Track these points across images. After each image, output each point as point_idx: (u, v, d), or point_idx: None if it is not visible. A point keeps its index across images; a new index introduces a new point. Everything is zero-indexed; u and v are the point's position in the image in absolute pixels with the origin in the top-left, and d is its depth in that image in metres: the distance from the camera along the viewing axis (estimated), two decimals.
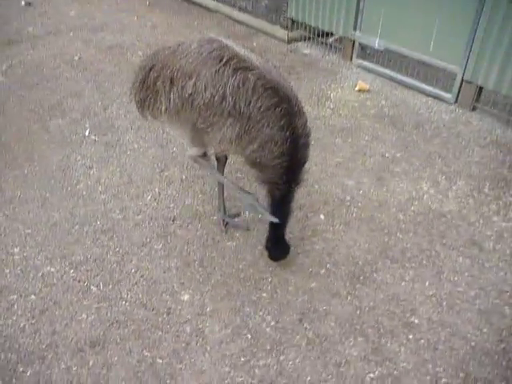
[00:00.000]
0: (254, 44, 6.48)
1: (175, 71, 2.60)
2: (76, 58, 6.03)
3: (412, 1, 4.88)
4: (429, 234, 3.36)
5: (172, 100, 2.63)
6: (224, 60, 2.46)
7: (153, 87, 2.74)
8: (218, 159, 3.19)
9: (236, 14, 7.19)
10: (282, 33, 6.43)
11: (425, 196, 3.72)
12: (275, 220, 2.80)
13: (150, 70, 2.78)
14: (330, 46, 6.07)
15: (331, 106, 4.94)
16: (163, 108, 2.71)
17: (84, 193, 3.76)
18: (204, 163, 3.02)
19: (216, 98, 2.47)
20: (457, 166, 4.05)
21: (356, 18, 5.49)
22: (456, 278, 3.03)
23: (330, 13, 5.70)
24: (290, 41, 6.35)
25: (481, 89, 4.71)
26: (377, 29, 5.30)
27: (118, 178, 3.92)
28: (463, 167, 4.04)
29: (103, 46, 6.37)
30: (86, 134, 4.52)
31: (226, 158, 3.22)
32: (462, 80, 4.76)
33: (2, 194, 3.73)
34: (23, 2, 7.95)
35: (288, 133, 2.50)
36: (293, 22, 6.31)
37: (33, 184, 3.84)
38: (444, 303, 2.87)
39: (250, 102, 2.43)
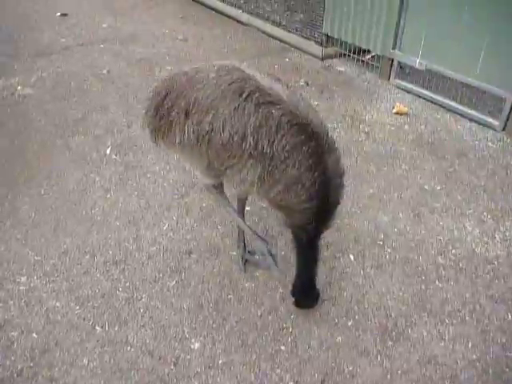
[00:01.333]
0: (287, 60, 6.23)
1: (191, 103, 2.35)
2: (105, 71, 5.94)
3: (458, 18, 4.50)
4: (472, 284, 2.98)
5: (187, 134, 2.39)
6: (245, 94, 2.19)
7: (167, 116, 2.51)
8: (238, 198, 2.92)
9: (269, 28, 6.97)
10: (316, 49, 6.15)
11: (468, 237, 3.34)
12: (282, 275, 2.70)
13: (165, 97, 2.54)
14: (367, 63, 5.74)
15: (366, 130, 4.60)
16: (177, 140, 2.47)
17: (99, 218, 3.57)
18: (216, 195, 2.78)
19: (235, 138, 2.21)
20: (504, 203, 3.64)
21: (396, 36, 5.15)
22: (504, 340, 2.65)
23: (368, 29, 5.38)
24: (324, 57, 6.06)
25: None
26: (418, 47, 4.94)
27: (135, 202, 3.72)
28: None
29: (133, 59, 6.27)
30: (108, 152, 4.36)
31: (246, 198, 2.95)
32: None
33: (16, 214, 3.58)
34: (59, 13, 8.01)
35: (317, 173, 2.22)
36: (328, 37, 6.03)
37: (48, 206, 3.68)
38: (490, 371, 2.49)
39: (274, 141, 2.16)
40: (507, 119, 4.44)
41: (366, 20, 5.37)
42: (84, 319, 2.78)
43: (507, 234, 3.36)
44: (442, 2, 4.60)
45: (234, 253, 3.19)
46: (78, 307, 2.85)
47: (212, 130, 2.27)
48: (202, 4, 8.32)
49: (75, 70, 5.97)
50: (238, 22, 7.52)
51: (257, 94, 2.18)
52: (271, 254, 2.85)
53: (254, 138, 2.17)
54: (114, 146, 4.42)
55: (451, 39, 4.64)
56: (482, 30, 4.34)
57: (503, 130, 4.50)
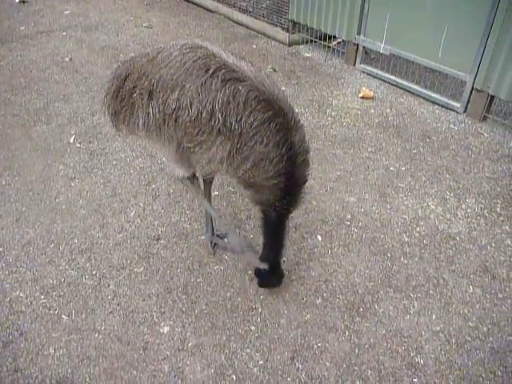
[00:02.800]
0: (254, 46, 6.21)
1: (154, 83, 2.30)
2: (67, 59, 5.77)
3: (420, 4, 4.58)
4: (436, 260, 3.06)
5: (152, 115, 2.34)
6: (211, 70, 2.16)
7: (128, 99, 2.44)
8: (204, 180, 2.89)
9: (236, 15, 6.92)
10: (283, 35, 6.15)
11: (431, 215, 3.42)
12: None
13: (125, 79, 2.47)
14: (333, 49, 5.78)
15: (332, 114, 4.64)
16: (140, 123, 2.42)
17: (63, 207, 3.49)
18: (192, 187, 2.76)
19: (204, 114, 2.17)
20: (466, 182, 3.75)
21: (360, 22, 5.20)
22: (466, 311, 2.74)
23: (333, 15, 5.41)
24: (291, 43, 6.07)
25: (492, 98, 4.41)
26: (382, 33, 5.01)
27: (101, 190, 3.65)
28: (473, 183, 3.74)
29: (96, 47, 6.12)
30: (71, 141, 4.25)
31: (212, 181, 2.93)
32: (473, 88, 4.46)
33: None
34: (17, 0, 7.72)
35: (284, 149, 2.20)
36: (294, 24, 6.03)
37: (10, 196, 3.56)
38: (453, 341, 2.57)
39: (242, 118, 2.13)
40: (468, 102, 4.56)
41: (331, 6, 5.39)
42: (49, 308, 2.71)
43: (469, 210, 3.47)
44: None
45: (203, 237, 3.17)
46: (42, 297, 2.78)
47: (179, 107, 2.22)
48: None
49: (35, 58, 5.78)
50: (205, 9, 7.44)
51: (223, 71, 2.15)
52: (250, 246, 2.91)
53: (222, 114, 2.14)
54: (78, 135, 4.32)
55: (414, 24, 4.72)
56: (442, 15, 4.43)
57: (464, 112, 4.62)
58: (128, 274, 2.94)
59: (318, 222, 3.34)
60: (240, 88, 2.13)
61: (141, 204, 3.50)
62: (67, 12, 7.34)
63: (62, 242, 3.18)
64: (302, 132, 2.32)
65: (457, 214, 3.43)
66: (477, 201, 3.56)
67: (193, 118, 2.20)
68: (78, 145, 4.19)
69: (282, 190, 2.31)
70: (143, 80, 2.35)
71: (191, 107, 2.19)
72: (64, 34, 6.56)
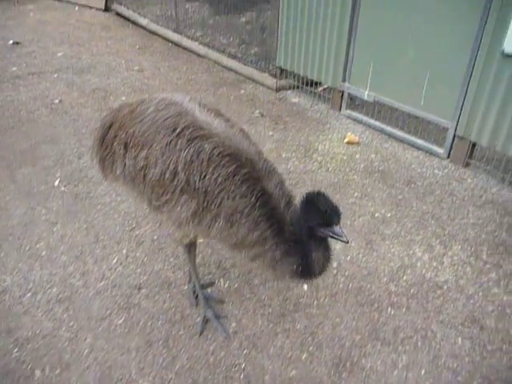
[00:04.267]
0: (242, 91, 6.33)
1: (129, 136, 2.31)
2: (56, 101, 5.81)
3: (402, 53, 4.74)
4: (424, 310, 3.01)
5: (127, 166, 2.34)
6: (178, 130, 2.15)
7: (111, 147, 2.45)
8: (185, 246, 2.77)
9: (225, 60, 7.09)
10: (270, 81, 6.29)
11: (418, 263, 3.40)
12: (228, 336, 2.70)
13: (109, 127, 2.50)
14: (319, 95, 5.91)
15: (319, 159, 4.69)
16: (119, 172, 2.42)
17: (43, 253, 3.40)
18: (185, 251, 2.77)
19: (167, 174, 2.15)
20: (452, 229, 3.76)
21: (345, 69, 5.35)
22: (455, 365, 2.67)
23: (319, 63, 5.56)
24: (278, 89, 6.20)
25: (474, 144, 4.50)
26: (366, 80, 5.14)
27: (83, 236, 3.58)
28: (458, 230, 3.75)
29: (87, 89, 6.18)
30: (56, 184, 4.21)
31: (194, 247, 2.83)
32: (455, 135, 4.55)
33: None
34: (11, 41, 7.85)
35: (254, 198, 2.13)
36: (282, 70, 6.19)
37: None
38: None
39: (206, 175, 2.10)
40: (451, 148, 4.65)
41: (317, 54, 5.55)
42: (22, 362, 2.59)
43: (455, 258, 3.45)
44: (387, 38, 4.84)
45: (186, 287, 3.09)
46: (16, 350, 2.66)
47: (147, 165, 2.22)
48: (160, 36, 8.39)
49: (25, 99, 5.82)
50: (195, 53, 7.62)
51: (190, 129, 2.14)
52: (217, 318, 2.84)
53: (185, 173, 2.11)
54: (64, 178, 4.28)
55: (396, 73, 4.87)
56: (424, 64, 4.58)
57: (448, 157, 4.70)
58: (107, 325, 2.83)
59: None
60: (205, 146, 2.11)
61: (124, 251, 3.43)
62: (60, 54, 7.45)
63: (40, 290, 3.08)
64: (277, 177, 2.25)
65: (443, 262, 3.41)
66: (463, 248, 3.55)
67: (157, 178, 2.19)
68: (63, 188, 4.15)
69: (273, 236, 2.20)
70: (122, 131, 2.37)
71: (156, 167, 2.18)
72: (55, 75, 6.64)
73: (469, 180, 4.41)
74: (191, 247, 2.70)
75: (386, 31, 4.84)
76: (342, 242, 2.12)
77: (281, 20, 5.94)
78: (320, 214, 2.04)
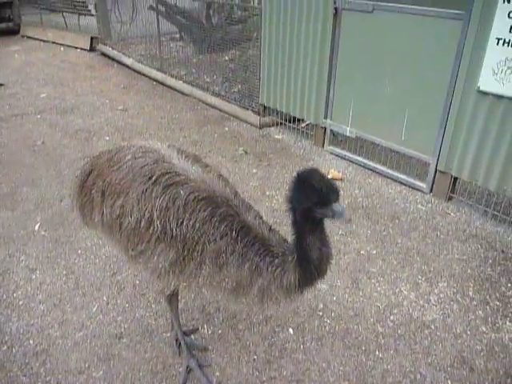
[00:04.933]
0: (226, 129, 6.38)
1: (107, 184, 2.29)
2: (39, 142, 5.80)
3: (380, 92, 4.85)
4: (412, 352, 2.95)
5: (104, 215, 2.30)
6: (154, 177, 2.13)
7: (89, 195, 2.42)
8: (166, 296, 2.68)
9: (209, 98, 7.18)
10: (254, 118, 6.37)
11: (405, 302, 3.36)
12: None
13: (89, 174, 2.48)
14: (302, 131, 5.98)
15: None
16: (97, 219, 2.38)
17: (21, 302, 3.29)
18: (168, 304, 2.69)
19: (142, 222, 2.12)
20: (437, 265, 3.74)
21: (326, 106, 5.45)
22: None
23: (301, 100, 5.66)
24: (262, 126, 6.27)
25: (456, 179, 4.56)
26: (347, 117, 5.23)
27: (62, 282, 3.48)
28: (444, 266, 3.73)
29: (70, 130, 6.19)
30: (36, 228, 4.13)
31: (176, 296, 2.72)
32: (436, 170, 4.61)
33: None
34: None
35: (235, 233, 2.07)
36: (264, 107, 6.28)
37: None
38: None
39: (183, 222, 2.06)
40: (433, 182, 4.70)
41: (298, 92, 5.66)
42: None
43: (441, 295, 3.42)
44: (365, 77, 4.96)
45: (168, 334, 3.00)
46: None
47: (123, 213, 2.19)
48: (145, 75, 8.52)
49: (7, 141, 5.79)
50: (180, 92, 7.72)
51: (166, 176, 2.12)
52: (201, 368, 2.75)
53: (160, 221, 2.08)
54: (44, 222, 4.21)
55: (376, 110, 4.96)
56: (402, 101, 4.68)
57: (430, 192, 4.74)
58: (85, 379, 2.72)
59: (290, 313, 3.22)
60: (181, 192, 2.09)
61: (104, 297, 3.34)
62: (43, 95, 7.50)
63: (16, 343, 2.96)
64: (254, 211, 2.21)
65: (430, 300, 3.38)
66: (449, 285, 3.53)
67: (132, 226, 2.15)
68: (43, 233, 4.07)
69: (264, 259, 2.08)
70: (99, 179, 2.34)
71: (131, 215, 2.14)
72: (38, 116, 6.65)
73: (452, 214, 4.44)
74: (173, 297, 2.63)
75: (364, 71, 4.96)
76: (344, 220, 1.89)
77: (262, 58, 6.09)
78: (316, 191, 1.81)
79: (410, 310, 3.28)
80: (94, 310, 3.24)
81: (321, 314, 3.23)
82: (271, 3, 5.68)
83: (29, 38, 11.29)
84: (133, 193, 2.15)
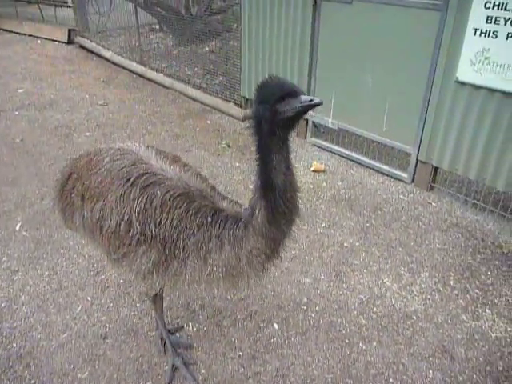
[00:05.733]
0: (208, 122, 6.34)
1: (86, 188, 2.27)
2: (18, 139, 5.69)
3: (361, 84, 4.85)
4: (394, 343, 3.00)
5: (85, 218, 2.28)
6: (132, 179, 2.11)
7: (69, 198, 2.40)
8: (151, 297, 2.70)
9: (190, 91, 7.11)
10: (236, 110, 6.33)
11: (387, 293, 3.41)
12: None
13: (68, 178, 2.45)
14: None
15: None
16: (77, 223, 2.36)
17: (3, 305, 3.26)
18: (152, 305, 2.69)
19: (122, 225, 2.10)
20: (419, 255, 3.80)
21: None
22: None
23: None
24: (244, 119, 6.24)
25: (436, 168, 4.61)
26: (329, 109, 5.24)
27: (45, 283, 3.45)
28: (426, 256, 3.79)
29: (49, 126, 6.08)
30: (17, 228, 4.07)
31: (161, 295, 2.72)
32: (417, 160, 4.66)
33: None
34: None
35: (209, 218, 2.05)
36: (246, 99, 6.24)
37: None
38: None
39: (160, 221, 2.04)
40: (414, 172, 4.75)
41: None
42: None
43: (423, 286, 3.48)
44: (346, 69, 4.96)
45: (153, 333, 3.00)
46: None
47: (102, 217, 2.17)
48: (125, 68, 8.38)
49: None
50: (160, 85, 7.62)
51: (144, 177, 2.11)
52: (186, 366, 2.76)
53: (139, 222, 2.07)
54: (25, 222, 4.15)
55: (357, 101, 4.98)
56: (383, 92, 4.70)
57: (412, 182, 4.79)
58: (70, 381, 2.71)
59: (274, 307, 3.25)
60: (157, 192, 2.07)
61: (88, 297, 3.32)
62: (21, 90, 7.34)
63: (0, 346, 2.93)
64: (228, 199, 2.20)
65: (412, 291, 3.43)
66: (430, 274, 3.59)
67: (113, 230, 2.13)
68: (24, 233, 4.02)
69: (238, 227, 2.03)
70: (79, 182, 2.32)
71: (111, 219, 2.13)
72: (17, 113, 6.51)
73: (433, 204, 4.50)
74: (157, 297, 2.62)
75: (344, 62, 4.96)
76: (316, 105, 1.78)
77: (243, 50, 6.04)
78: (281, 86, 1.74)
79: (393, 302, 3.33)
80: (78, 310, 3.22)
81: (305, 308, 3.26)
82: None
83: (4, 31, 10.99)
84: (111, 196, 2.13)
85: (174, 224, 2.04)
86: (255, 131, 1.85)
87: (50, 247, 3.84)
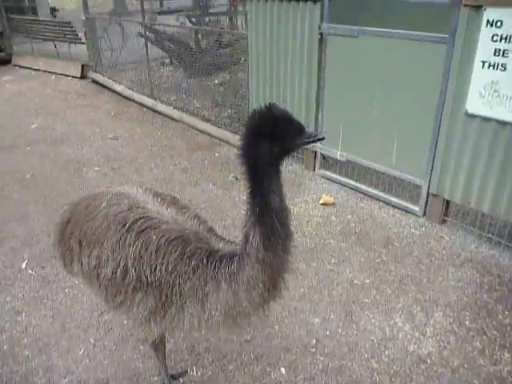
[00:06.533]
0: (217, 154, 6.35)
1: (83, 234, 2.23)
2: (28, 175, 5.75)
3: (368, 116, 4.82)
4: None
5: (83, 265, 2.24)
6: (128, 224, 2.07)
7: (68, 244, 2.37)
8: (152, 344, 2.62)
9: (199, 123, 7.17)
10: None
11: (400, 334, 3.27)
12: None
13: (68, 222, 2.43)
14: (293, 156, 5.94)
15: (294, 223, 4.61)
16: (76, 270, 2.33)
17: (5, 347, 3.20)
18: (154, 351, 2.61)
19: (118, 273, 2.05)
20: (432, 293, 3.66)
21: (316, 130, 5.41)
22: None
23: None
24: None
25: (449, 201, 4.50)
26: (337, 141, 5.20)
27: (49, 325, 3.39)
28: (439, 294, 3.65)
29: (60, 162, 6.14)
30: (23, 266, 4.05)
31: (162, 342, 2.65)
32: (428, 193, 4.56)
33: None
34: None
35: (204, 260, 1.97)
36: None
37: None
38: None
39: (156, 267, 1.98)
40: (426, 205, 4.64)
41: None
42: None
43: (437, 326, 3.34)
44: (354, 100, 4.95)
45: (156, 378, 2.90)
46: None
47: (99, 264, 2.13)
48: (135, 102, 8.52)
49: None
50: (170, 118, 7.70)
51: (140, 222, 2.06)
52: None
53: (135, 269, 2.01)
54: (31, 259, 4.13)
55: (365, 133, 4.94)
56: (391, 124, 4.66)
57: (424, 215, 4.68)
58: None
59: (282, 350, 3.13)
60: (153, 237, 2.02)
61: (91, 340, 3.25)
62: (34, 126, 7.47)
63: None
64: (226, 241, 2.13)
65: (425, 332, 3.29)
66: (445, 314, 3.45)
67: (109, 277, 2.08)
68: (30, 271, 3.99)
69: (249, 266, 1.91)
70: (77, 228, 2.30)
71: (107, 266, 2.08)
72: (28, 148, 6.61)
73: (446, 238, 4.37)
74: (158, 343, 2.54)
75: (352, 94, 4.95)
76: (320, 139, 1.81)
77: (250, 82, 6.10)
78: (290, 123, 1.73)
79: (406, 344, 3.19)
80: (81, 353, 3.14)
81: (313, 350, 3.14)
82: (257, 29, 5.71)
83: (20, 67, 11.34)
84: (107, 242, 2.09)
85: (170, 269, 1.98)
86: (251, 161, 1.78)
87: (55, 286, 3.80)
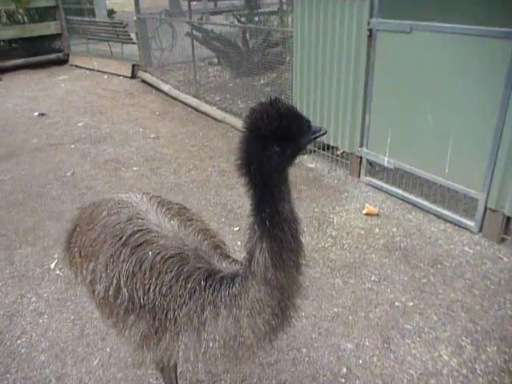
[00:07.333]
0: None
1: (82, 245, 2.06)
2: (69, 173, 5.79)
3: (421, 119, 4.38)
4: None
5: (83, 277, 2.07)
6: (124, 238, 1.86)
7: (73, 254, 2.22)
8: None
9: (242, 124, 6.94)
10: None
11: (444, 370, 2.86)
12: None
13: (73, 231, 2.28)
14: (337, 160, 5.59)
15: (333, 234, 4.28)
16: (79, 280, 2.16)
17: (23, 351, 3.13)
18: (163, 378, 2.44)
19: (110, 291, 1.84)
20: (485, 323, 3.20)
21: (362, 134, 5.04)
22: None
23: (335, 127, 5.30)
24: None
25: (509, 218, 3.98)
26: (385, 147, 4.79)
27: (68, 329, 3.29)
28: (493, 325, 3.19)
29: (100, 160, 6.15)
30: (52, 266, 4.01)
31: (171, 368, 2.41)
32: (486, 207, 4.06)
33: None
34: (37, 113, 8.11)
35: (203, 282, 1.74)
36: None
37: None
38: None
39: (149, 288, 1.76)
40: (482, 221, 4.14)
41: (332, 118, 5.31)
42: None
43: (489, 363, 2.89)
44: (404, 103, 4.52)
45: None
46: None
47: (94, 279, 1.93)
48: (180, 102, 8.47)
49: (39, 172, 5.82)
50: (213, 118, 7.57)
51: (136, 236, 1.85)
52: None
53: (127, 289, 1.79)
54: (60, 259, 4.07)
55: (416, 139, 4.50)
56: (446, 129, 4.20)
57: (479, 231, 4.17)
58: None
59: (308, 378, 2.82)
60: (149, 253, 1.80)
61: (107, 349, 3.10)
62: (80, 124, 7.59)
63: None
64: (231, 259, 1.90)
65: (475, 369, 2.86)
66: (499, 349, 2.99)
67: (102, 295, 1.88)
68: (58, 271, 3.94)
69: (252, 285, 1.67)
70: (80, 237, 2.13)
71: (100, 283, 1.88)
72: (73, 146, 6.70)
73: (505, 259, 3.86)
74: (166, 368, 2.31)
75: (402, 96, 4.53)
76: (324, 134, 1.58)
77: (294, 83, 5.82)
78: (299, 118, 1.50)
79: (451, 381, 2.78)
80: (95, 363, 3.00)
81: (343, 380, 2.81)
82: (302, 26, 5.42)
83: (76, 67, 11.69)
84: (102, 256, 1.89)
85: (164, 291, 1.75)
86: (256, 168, 1.53)
87: (79, 288, 3.70)
